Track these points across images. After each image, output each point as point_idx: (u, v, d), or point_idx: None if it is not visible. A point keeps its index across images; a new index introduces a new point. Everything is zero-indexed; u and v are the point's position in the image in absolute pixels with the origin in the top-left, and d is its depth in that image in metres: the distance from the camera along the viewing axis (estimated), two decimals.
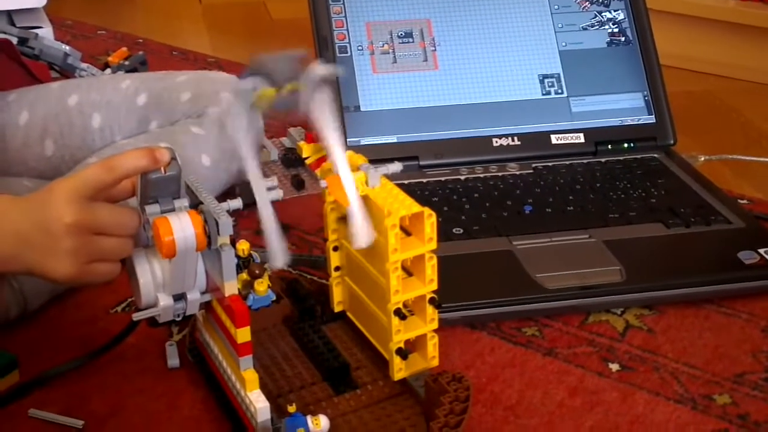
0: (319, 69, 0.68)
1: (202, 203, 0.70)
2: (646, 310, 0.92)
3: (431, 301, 0.75)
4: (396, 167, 0.76)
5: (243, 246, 0.75)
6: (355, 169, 0.74)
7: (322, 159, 1.20)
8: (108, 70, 1.42)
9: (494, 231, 1.00)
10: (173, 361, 0.83)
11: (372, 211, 0.73)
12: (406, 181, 1.08)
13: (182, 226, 0.66)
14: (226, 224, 0.67)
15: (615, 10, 1.22)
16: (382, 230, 0.71)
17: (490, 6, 1.19)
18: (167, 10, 1.93)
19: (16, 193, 0.93)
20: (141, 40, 1.69)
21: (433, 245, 0.73)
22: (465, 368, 0.84)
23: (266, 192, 0.70)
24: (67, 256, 0.68)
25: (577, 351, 0.87)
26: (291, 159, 1.22)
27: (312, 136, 1.23)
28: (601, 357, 0.86)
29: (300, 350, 0.82)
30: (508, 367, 0.84)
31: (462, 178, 1.11)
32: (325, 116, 0.69)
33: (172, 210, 0.70)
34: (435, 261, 0.74)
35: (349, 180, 0.71)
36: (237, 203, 0.71)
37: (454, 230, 1.00)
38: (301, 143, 1.23)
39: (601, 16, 1.22)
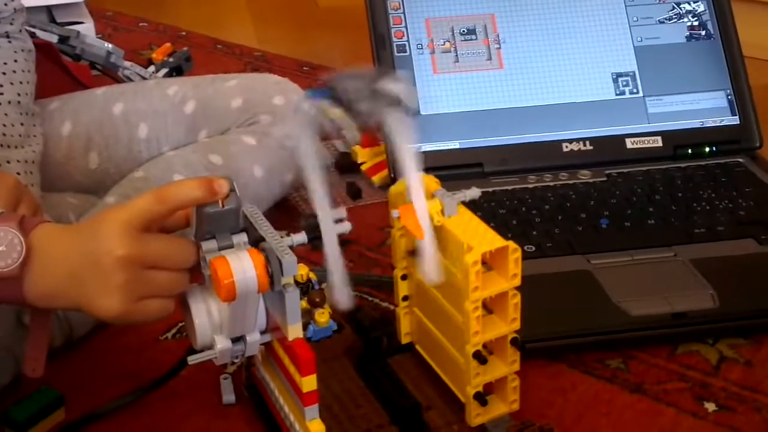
0: (395, 87, 0.61)
1: (262, 238, 0.63)
2: (741, 339, 0.84)
3: (513, 341, 0.68)
4: (474, 193, 0.69)
5: (301, 271, 0.69)
6: (429, 195, 0.67)
7: (381, 164, 1.13)
8: (152, 67, 1.36)
9: (569, 248, 0.92)
10: (229, 396, 0.77)
11: (449, 244, 0.66)
12: (457, 191, 1.00)
13: (243, 268, 0.59)
14: (291, 264, 0.61)
15: (695, 2, 1.12)
16: (461, 266, 0.64)
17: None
18: None
19: (61, 211, 0.88)
20: (184, 33, 1.63)
21: (517, 281, 0.66)
22: (546, 407, 0.76)
23: (333, 226, 0.63)
24: (117, 292, 0.62)
25: (667, 387, 0.79)
26: (345, 165, 1.15)
27: (368, 138, 1.16)
28: (695, 394, 0.78)
29: (365, 387, 0.76)
30: (592, 405, 0.77)
31: (530, 186, 1.03)
32: (401, 137, 0.62)
33: (231, 246, 0.63)
34: (519, 299, 0.66)
35: (423, 211, 0.64)
36: (301, 238, 0.64)
37: (525, 248, 0.92)
38: (356, 147, 1.16)
39: (680, 8, 1.12)
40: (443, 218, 0.66)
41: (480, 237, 0.65)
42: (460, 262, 0.64)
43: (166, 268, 0.64)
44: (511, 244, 0.64)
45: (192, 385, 0.79)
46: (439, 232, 0.67)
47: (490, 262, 0.65)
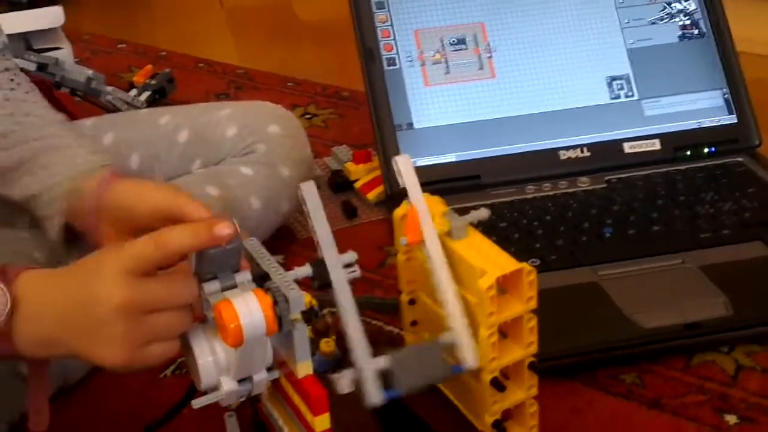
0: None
1: (265, 273, 0.60)
2: (757, 346, 0.82)
3: (531, 365, 0.65)
4: (483, 214, 0.66)
5: (304, 299, 0.66)
6: (436, 218, 0.65)
7: (376, 180, 1.11)
8: (134, 91, 1.33)
9: (575, 260, 0.90)
10: None
11: (461, 269, 0.63)
12: (469, 204, 0.98)
13: (249, 310, 0.56)
14: (297, 299, 0.58)
15: (685, 0, 1.11)
16: (475, 291, 0.62)
17: (548, 4, 1.09)
18: (187, 15, 1.83)
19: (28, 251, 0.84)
20: (164, 53, 1.60)
21: (533, 305, 0.63)
22: (563, 428, 0.74)
23: (343, 271, 0.61)
24: (119, 342, 0.59)
25: (686, 401, 0.77)
26: (339, 183, 1.12)
27: (360, 155, 1.14)
28: (715, 407, 0.76)
29: (378, 418, 0.73)
30: (610, 424, 0.75)
31: (529, 197, 1.01)
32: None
33: (234, 286, 0.60)
34: (535, 322, 0.64)
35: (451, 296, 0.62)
36: (305, 270, 0.62)
37: (530, 261, 0.89)
38: (349, 164, 1.14)
39: (671, 8, 1.11)
40: (454, 242, 0.64)
41: (492, 260, 0.62)
42: (473, 288, 0.62)
43: (167, 308, 0.61)
44: (526, 267, 0.62)
45: (194, 424, 0.76)
46: (449, 256, 0.64)
47: (503, 285, 0.63)
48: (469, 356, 0.64)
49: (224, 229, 0.58)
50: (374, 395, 0.62)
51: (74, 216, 0.76)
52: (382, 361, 0.62)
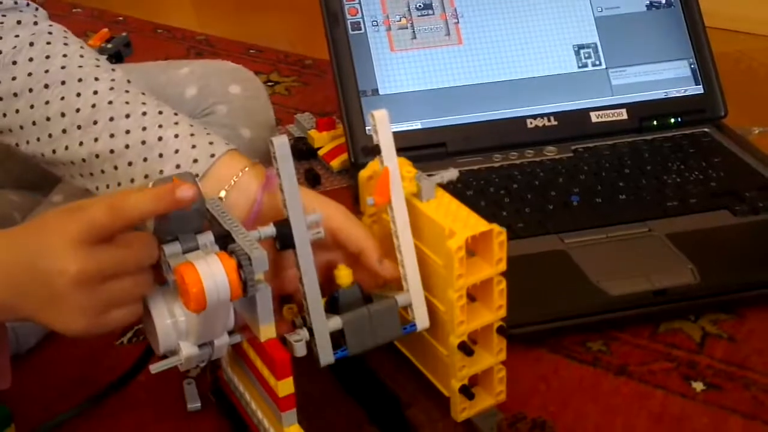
0: None
1: (227, 234, 0.58)
2: (722, 314, 0.82)
3: (500, 330, 0.64)
4: (452, 174, 0.65)
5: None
6: (404, 180, 0.63)
7: (339, 148, 1.08)
8: None
9: (542, 228, 0.89)
10: (194, 404, 0.72)
11: (429, 230, 0.62)
12: (434, 173, 0.96)
13: (212, 274, 0.53)
14: (261, 259, 0.56)
15: None
16: (443, 253, 0.60)
17: None
18: None
19: (4, 210, 0.81)
20: (121, 18, 1.55)
21: (503, 267, 0.62)
22: (529, 395, 0.73)
23: (307, 231, 0.58)
24: (79, 311, 0.56)
25: (653, 368, 0.76)
26: (302, 150, 1.09)
27: (323, 122, 1.11)
28: (682, 374, 0.76)
29: (339, 385, 0.71)
30: (577, 391, 0.74)
31: (496, 165, 1.00)
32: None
33: (196, 248, 0.58)
34: (504, 285, 0.63)
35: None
36: (269, 230, 0.59)
37: None
38: (312, 131, 1.11)
39: None
40: (422, 203, 0.62)
41: (462, 221, 0.60)
42: (441, 249, 0.60)
43: (126, 273, 0.58)
44: (496, 227, 0.60)
45: (153, 391, 0.74)
46: (417, 218, 0.62)
47: (472, 247, 0.61)
48: (420, 317, 0.63)
49: (187, 191, 0.55)
50: (325, 356, 0.61)
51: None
52: (335, 322, 0.61)
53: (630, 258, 0.84)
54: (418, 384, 0.70)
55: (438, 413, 0.67)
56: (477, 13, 1.05)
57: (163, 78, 0.93)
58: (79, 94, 0.71)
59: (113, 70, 0.74)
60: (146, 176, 0.69)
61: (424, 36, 1.04)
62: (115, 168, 0.70)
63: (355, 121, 1.00)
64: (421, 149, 1.00)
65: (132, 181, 0.69)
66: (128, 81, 0.73)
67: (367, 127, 1.00)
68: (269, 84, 1.33)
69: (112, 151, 0.69)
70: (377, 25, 1.03)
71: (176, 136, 0.69)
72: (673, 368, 0.76)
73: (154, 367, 0.60)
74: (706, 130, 1.06)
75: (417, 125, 1.02)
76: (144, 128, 0.69)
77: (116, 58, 1.28)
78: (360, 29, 1.03)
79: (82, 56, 0.74)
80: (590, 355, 0.78)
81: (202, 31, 1.51)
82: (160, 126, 0.69)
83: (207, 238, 0.58)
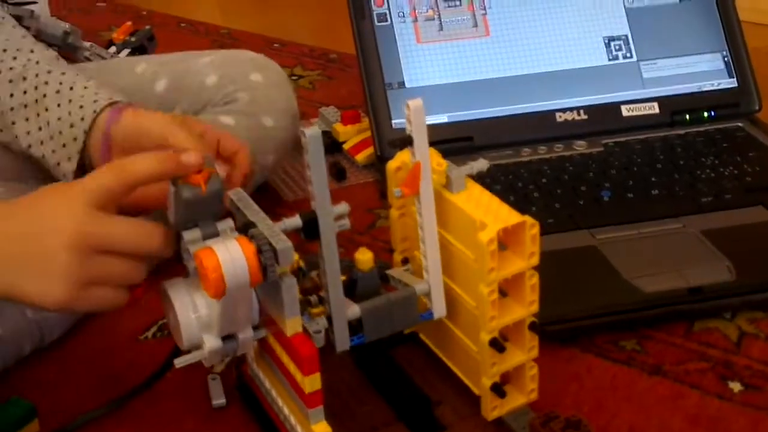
0: None
1: (251, 224, 0.57)
2: (760, 312, 0.80)
3: (532, 326, 0.62)
4: (482, 165, 0.63)
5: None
6: (435, 171, 0.61)
7: (365, 142, 1.07)
8: (113, 48, 1.28)
9: (572, 223, 0.87)
10: (219, 400, 0.71)
11: (460, 222, 0.60)
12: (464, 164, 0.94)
13: (231, 257, 0.52)
14: (286, 251, 0.54)
15: None
16: (475, 245, 0.58)
17: None
18: None
19: None
20: (145, 12, 1.55)
21: (535, 260, 0.60)
22: (561, 395, 0.71)
23: (333, 222, 0.57)
24: (61, 276, 0.54)
25: (688, 367, 0.74)
26: (327, 144, 1.07)
27: (348, 115, 1.10)
28: (718, 374, 0.73)
29: (367, 382, 0.69)
30: (610, 391, 0.72)
31: (525, 160, 0.98)
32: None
33: (216, 234, 0.56)
34: (536, 279, 0.61)
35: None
36: (294, 222, 0.58)
37: None
38: (337, 125, 1.10)
39: None
40: (452, 195, 0.60)
41: (493, 213, 0.59)
42: (472, 242, 0.58)
43: (123, 253, 0.57)
44: (529, 219, 0.58)
45: (177, 387, 0.72)
46: (447, 209, 0.61)
47: (504, 240, 0.60)
48: (437, 306, 0.62)
49: (191, 157, 0.54)
50: (342, 342, 0.60)
51: (89, 154, 0.73)
52: (354, 311, 0.60)
53: (663, 255, 0.82)
54: (447, 382, 0.68)
55: (468, 411, 0.65)
56: (505, 4, 1.04)
57: (181, 67, 0.92)
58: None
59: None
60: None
61: (451, 28, 1.02)
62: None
63: (381, 115, 0.98)
64: (447, 143, 0.98)
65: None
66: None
67: (393, 121, 0.98)
68: (293, 78, 1.31)
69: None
70: (404, 17, 1.02)
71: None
72: (709, 368, 0.74)
73: (179, 361, 0.59)
74: (739, 124, 1.03)
75: (443, 119, 1.00)
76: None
77: (140, 51, 1.28)
78: (386, 21, 1.01)
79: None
80: (624, 353, 0.76)
81: (225, 25, 1.50)
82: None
83: (227, 224, 0.57)
